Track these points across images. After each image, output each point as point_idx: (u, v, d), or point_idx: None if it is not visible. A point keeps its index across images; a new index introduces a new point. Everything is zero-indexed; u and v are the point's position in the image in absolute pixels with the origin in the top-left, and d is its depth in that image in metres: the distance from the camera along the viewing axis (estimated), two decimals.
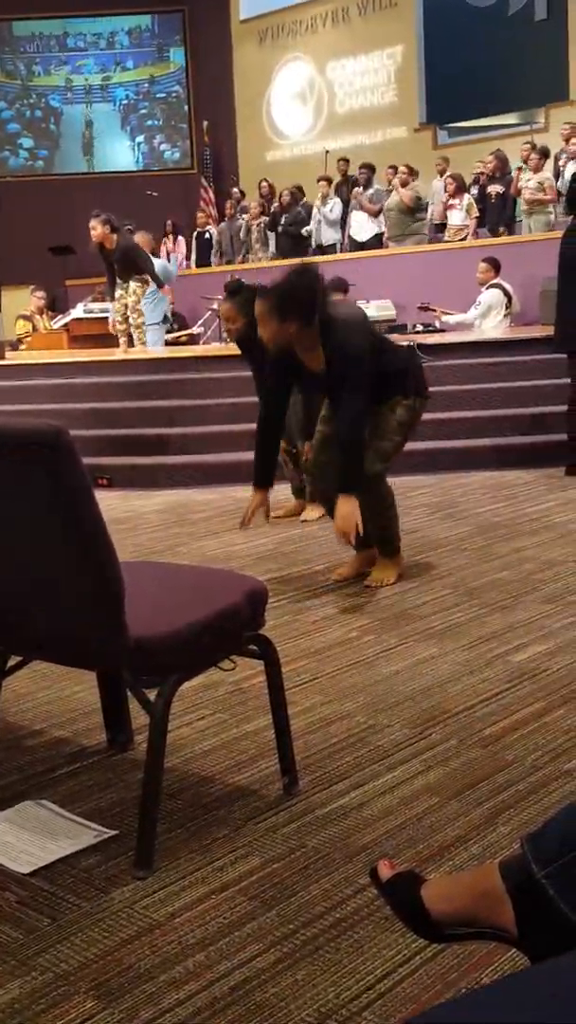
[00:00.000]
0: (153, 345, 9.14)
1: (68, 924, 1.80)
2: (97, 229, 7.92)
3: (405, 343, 7.09)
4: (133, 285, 8.32)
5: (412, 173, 11.08)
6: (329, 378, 3.63)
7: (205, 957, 1.69)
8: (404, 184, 10.88)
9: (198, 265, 12.96)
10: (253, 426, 3.86)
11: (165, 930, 1.77)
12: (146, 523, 5.20)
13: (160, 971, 1.66)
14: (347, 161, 12.63)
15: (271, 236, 12.41)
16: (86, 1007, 1.59)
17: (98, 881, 1.93)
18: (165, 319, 9.49)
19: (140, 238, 9.36)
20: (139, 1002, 1.59)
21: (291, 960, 1.67)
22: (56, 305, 12.20)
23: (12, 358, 8.98)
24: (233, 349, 8.22)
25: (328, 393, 3.70)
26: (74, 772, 2.40)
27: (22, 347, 11.02)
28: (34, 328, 11.41)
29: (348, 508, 3.48)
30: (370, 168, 11.93)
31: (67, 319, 11.33)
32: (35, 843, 2.07)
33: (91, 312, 10.80)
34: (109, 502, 5.53)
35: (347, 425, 3.54)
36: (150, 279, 8.38)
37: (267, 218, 12.49)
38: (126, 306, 8.35)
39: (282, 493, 4.87)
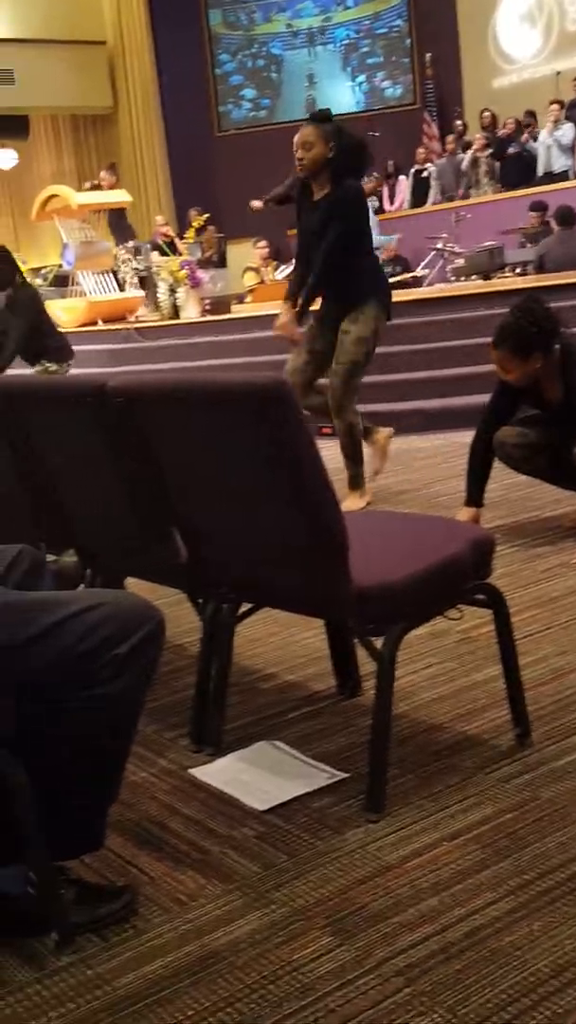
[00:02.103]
0: None
1: (303, 861, 1.86)
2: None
3: None
4: None
5: None
6: (568, 410, 3.53)
7: (438, 902, 1.71)
8: None
9: (414, 205, 12.67)
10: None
11: (397, 873, 1.80)
12: (369, 471, 5.20)
13: (393, 913, 1.69)
14: None
15: (497, 167, 11.97)
16: (323, 942, 1.64)
17: (331, 821, 1.98)
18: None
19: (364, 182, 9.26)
20: (374, 941, 1.63)
21: (527, 910, 1.66)
22: (279, 255, 12.32)
23: (237, 311, 9.18)
24: (456, 289, 8.07)
25: (566, 425, 3.56)
26: (305, 716, 2.46)
27: (247, 300, 11.23)
28: (262, 280, 11.58)
29: None
30: None
31: (289, 269, 11.42)
32: (271, 782, 2.14)
33: None
34: (332, 451, 5.56)
35: None
36: None
37: (492, 149, 12.05)
38: None
39: None
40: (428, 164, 12.93)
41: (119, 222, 11.22)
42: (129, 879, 1.85)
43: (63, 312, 9.86)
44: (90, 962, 1.64)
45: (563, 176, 11.26)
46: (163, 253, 9.73)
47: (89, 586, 2.60)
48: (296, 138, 4.23)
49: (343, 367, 4.23)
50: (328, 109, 4.44)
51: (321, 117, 4.29)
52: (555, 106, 11.47)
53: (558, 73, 12.94)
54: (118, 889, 1.79)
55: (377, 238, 9.12)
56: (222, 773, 2.21)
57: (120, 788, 1.77)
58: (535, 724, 2.24)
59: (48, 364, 6.00)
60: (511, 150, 11.96)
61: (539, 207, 10.02)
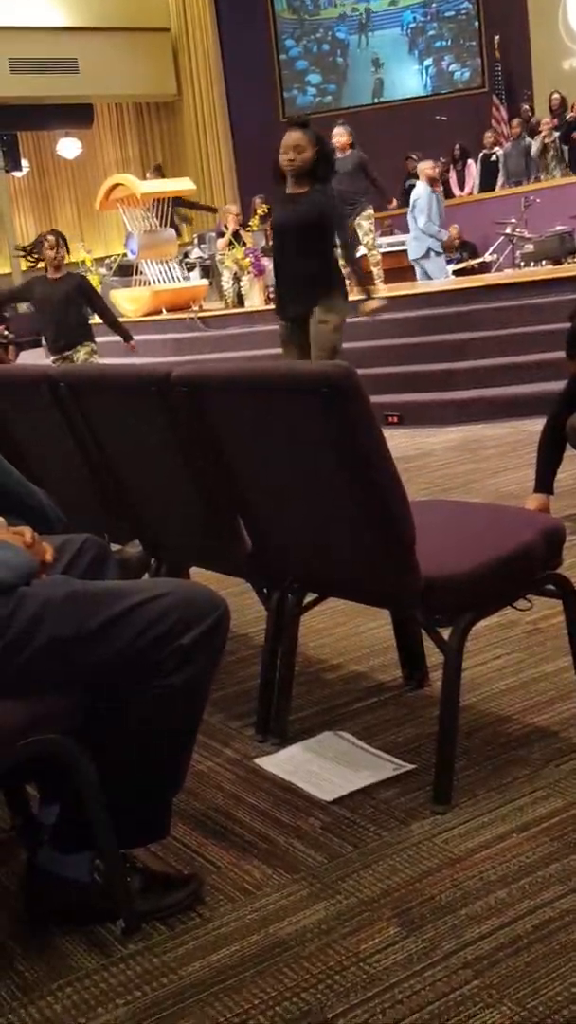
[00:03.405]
0: (435, 276, 9.00)
1: (370, 852, 1.86)
2: (343, 137, 8.37)
3: None
4: (364, 224, 8.39)
5: None
6: None
7: (507, 895, 1.69)
8: None
9: (483, 189, 12.48)
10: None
11: (465, 865, 1.78)
12: (436, 460, 5.17)
13: (461, 905, 1.68)
14: None
15: (565, 151, 11.73)
16: (389, 933, 1.63)
17: (398, 813, 1.97)
18: (431, 252, 9.19)
19: (423, 166, 9.18)
20: (441, 933, 1.62)
21: None
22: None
23: None
24: (525, 275, 7.94)
25: None
26: (371, 707, 2.45)
27: None
28: None
29: None
30: None
31: (359, 253, 11.33)
32: (336, 773, 2.13)
33: (379, 247, 10.73)
34: (398, 440, 5.54)
35: None
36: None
37: (559, 132, 11.81)
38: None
39: None
40: (496, 148, 12.71)
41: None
42: (195, 868, 1.86)
43: (127, 301, 9.92)
44: (156, 950, 1.65)
45: None
46: (230, 243, 9.70)
47: (153, 576, 2.61)
48: (286, 140, 4.60)
49: (326, 353, 4.51)
50: (308, 115, 4.87)
51: (304, 122, 4.69)
52: None
53: None
54: (184, 878, 1.80)
55: (435, 226, 9.04)
56: (287, 763, 2.21)
57: (185, 777, 1.78)
58: None
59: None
60: None
61: None
